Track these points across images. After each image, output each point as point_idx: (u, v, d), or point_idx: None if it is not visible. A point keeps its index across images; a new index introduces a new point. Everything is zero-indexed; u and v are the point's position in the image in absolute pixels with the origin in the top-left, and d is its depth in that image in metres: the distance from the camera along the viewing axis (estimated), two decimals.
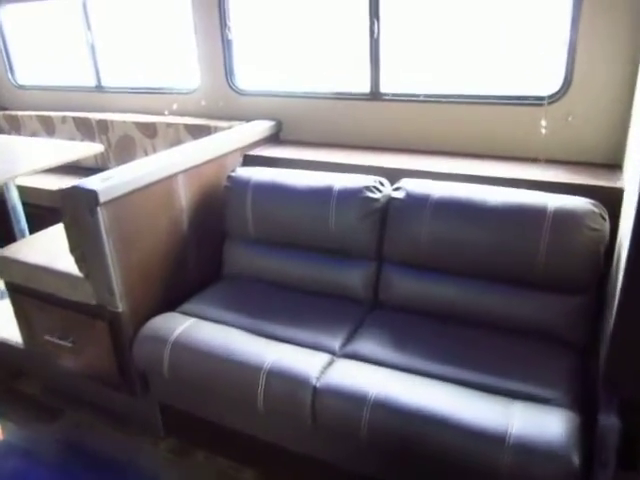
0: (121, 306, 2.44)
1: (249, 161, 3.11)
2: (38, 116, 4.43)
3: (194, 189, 2.77)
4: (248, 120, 3.43)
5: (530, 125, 2.72)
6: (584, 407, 1.87)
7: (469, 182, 2.49)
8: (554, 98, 2.66)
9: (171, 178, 2.61)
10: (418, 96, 3.02)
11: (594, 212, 2.15)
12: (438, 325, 2.31)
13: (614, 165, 2.60)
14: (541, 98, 2.70)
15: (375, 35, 3.02)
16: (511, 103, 2.78)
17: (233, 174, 2.83)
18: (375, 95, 3.12)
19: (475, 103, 2.87)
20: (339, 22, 3.20)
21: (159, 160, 2.62)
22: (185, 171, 2.68)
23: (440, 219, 2.34)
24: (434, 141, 2.99)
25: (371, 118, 3.15)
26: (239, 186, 2.77)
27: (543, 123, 2.64)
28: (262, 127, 3.31)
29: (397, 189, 2.50)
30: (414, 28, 3.05)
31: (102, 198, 2.26)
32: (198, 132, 3.54)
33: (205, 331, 2.36)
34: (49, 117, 4.37)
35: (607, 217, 2.18)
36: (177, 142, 3.62)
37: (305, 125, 3.35)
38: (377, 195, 2.52)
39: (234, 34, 3.43)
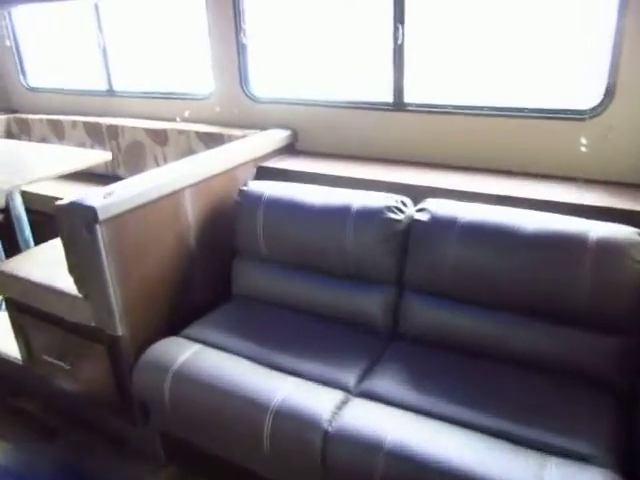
0: (121, 329, 2.27)
1: (262, 173, 2.94)
2: (48, 120, 4.30)
3: (203, 204, 2.60)
4: (263, 129, 3.26)
5: (567, 141, 2.50)
6: (628, 466, 1.66)
7: (500, 204, 2.28)
8: (595, 112, 2.43)
9: (178, 193, 2.44)
10: (445, 107, 2.81)
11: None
12: (463, 362, 2.10)
13: None
14: (581, 112, 2.47)
15: (399, 41, 2.82)
16: (547, 117, 2.56)
17: (245, 188, 2.65)
18: (398, 105, 2.92)
19: (507, 116, 2.65)
20: (360, 26, 3.01)
21: (165, 174, 2.45)
22: (193, 185, 2.51)
23: (468, 245, 2.13)
24: (461, 156, 2.78)
25: (393, 130, 2.95)
26: (250, 202, 2.59)
27: (582, 140, 2.42)
28: (277, 137, 3.13)
29: (421, 210, 2.29)
30: (441, 34, 2.85)
31: (101, 215, 2.10)
32: (211, 140, 3.38)
33: (210, 360, 2.18)
34: (59, 121, 4.24)
35: None
36: (188, 150, 3.46)
37: (322, 135, 3.16)
38: (399, 216, 2.31)
39: (249, 38, 3.25)
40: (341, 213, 2.38)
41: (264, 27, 3.30)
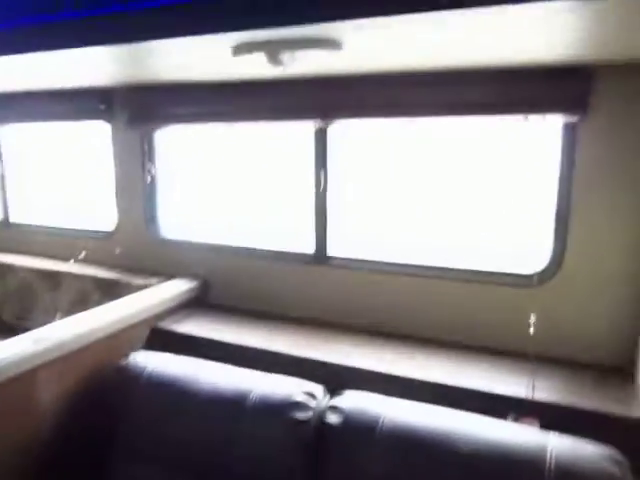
0: None
1: (157, 338, 2.42)
2: None
3: (68, 386, 2.04)
4: (170, 276, 2.79)
5: (515, 310, 2.11)
6: None
7: (437, 394, 1.83)
8: (544, 277, 2.08)
9: (26, 375, 1.88)
10: (375, 263, 2.43)
11: (609, 473, 1.46)
12: None
13: (622, 369, 1.98)
14: (528, 277, 2.12)
15: (321, 187, 2.47)
16: (491, 281, 2.19)
17: (123, 364, 2.12)
18: (320, 258, 2.52)
19: (446, 278, 2.27)
20: (281, 170, 2.68)
21: (9, 349, 1.90)
22: (53, 362, 1.97)
23: (391, 460, 1.63)
24: (393, 321, 2.35)
25: (314, 286, 2.52)
26: (128, 382, 2.05)
27: (531, 309, 2.02)
28: (182, 289, 2.66)
29: (334, 408, 1.79)
30: (371, 182, 2.53)
31: None
32: (108, 288, 2.87)
33: None
34: None
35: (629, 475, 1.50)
36: (81, 299, 2.94)
37: (236, 287, 2.71)
38: (307, 414, 1.80)
39: (159, 174, 2.88)
40: (235, 407, 1.85)
41: (176, 162, 2.93)
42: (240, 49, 1.44)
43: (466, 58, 1.77)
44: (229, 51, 1.48)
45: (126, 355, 2.16)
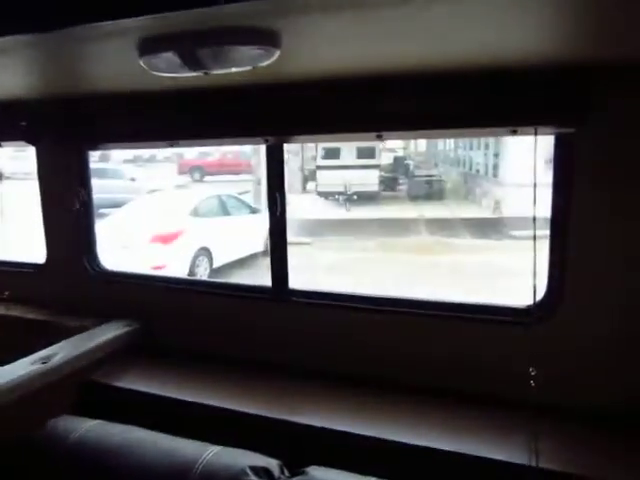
0: None
1: (88, 395, 2.05)
2: None
3: None
4: (109, 315, 2.42)
5: (509, 350, 1.82)
6: None
7: (427, 461, 1.53)
8: (542, 311, 1.79)
9: None
10: (345, 298, 2.11)
11: None
12: None
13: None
14: (525, 312, 1.83)
15: (278, 211, 2.15)
16: (479, 318, 1.90)
17: (39, 435, 1.74)
18: (279, 293, 2.19)
19: (430, 315, 1.97)
20: None
21: None
22: None
23: None
24: (369, 366, 2.02)
25: (273, 325, 2.19)
26: (45, 456, 1.68)
27: (527, 349, 1.72)
28: (120, 332, 2.29)
29: None
30: None
31: None
32: (37, 331, 2.48)
33: None
34: None
35: None
36: (6, 344, 2.53)
37: (184, 328, 2.35)
38: None
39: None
40: None
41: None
42: (145, 48, 1.11)
43: (441, 52, 1.45)
44: (135, 53, 1.15)
45: (44, 422, 1.78)
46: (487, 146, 16.41)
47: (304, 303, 2.15)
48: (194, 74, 1.18)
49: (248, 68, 1.16)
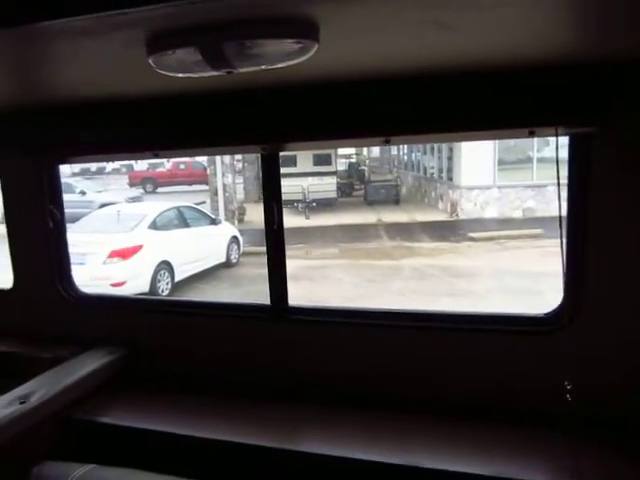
0: None
1: (71, 434, 1.85)
2: None
3: None
4: (88, 343, 2.21)
5: (532, 362, 1.73)
6: None
7: None
8: (562, 319, 1.72)
9: None
10: (351, 314, 1.99)
11: None
12: None
13: None
14: (546, 321, 1.75)
15: (275, 224, 2.01)
16: (497, 328, 1.80)
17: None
18: (279, 311, 2.04)
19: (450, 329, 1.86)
20: None
21: None
22: None
23: None
24: (380, 385, 1.90)
25: (273, 345, 2.04)
26: None
27: (554, 360, 1.64)
28: (103, 361, 2.10)
29: None
30: None
31: None
32: (8, 365, 2.24)
33: None
34: None
35: None
36: None
37: (173, 354, 2.17)
38: None
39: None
40: None
41: None
42: (157, 45, 0.96)
43: (456, 51, 1.35)
44: (143, 50, 1.00)
45: (26, 469, 1.57)
46: (440, 150, 16.63)
47: (305, 321, 2.02)
48: (215, 73, 1.04)
49: (280, 65, 1.02)
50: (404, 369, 1.89)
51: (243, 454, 1.70)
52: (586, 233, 1.67)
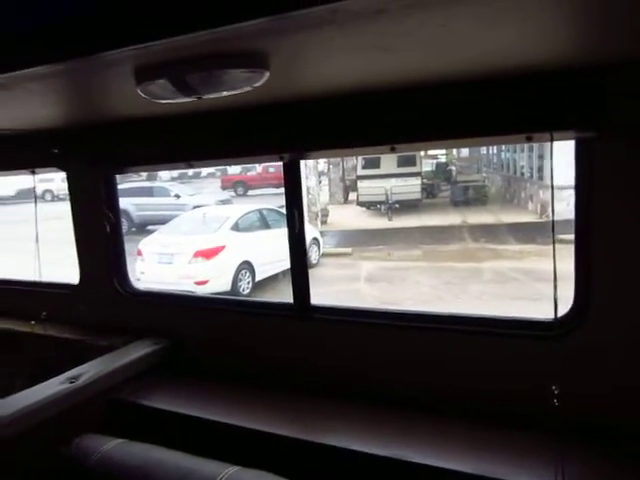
0: None
1: (114, 414, 2.09)
2: None
3: None
4: (139, 334, 2.47)
5: (533, 368, 1.75)
6: None
7: None
8: (568, 325, 1.72)
9: None
10: (368, 313, 2.08)
11: None
12: None
13: None
14: (548, 326, 1.75)
15: (296, 228, 2.15)
16: (503, 333, 1.83)
17: (65, 452, 1.78)
18: (302, 310, 2.18)
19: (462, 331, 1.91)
20: None
21: None
22: None
23: None
24: (392, 385, 1.97)
25: (295, 343, 2.18)
26: (69, 474, 1.72)
27: (552, 367, 1.65)
28: (148, 351, 2.33)
29: None
30: None
31: None
32: (71, 350, 2.56)
33: None
34: None
35: None
36: (43, 362, 2.62)
37: (212, 345, 2.37)
38: None
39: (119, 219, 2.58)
40: None
41: None
42: (140, 76, 1.13)
43: (451, 62, 1.41)
44: (132, 81, 1.18)
45: (70, 440, 1.82)
46: (531, 148, 16.02)
47: (326, 320, 2.13)
48: (188, 99, 1.20)
49: (240, 91, 1.16)
50: (420, 370, 1.95)
51: (265, 442, 1.84)
52: (592, 237, 1.66)
